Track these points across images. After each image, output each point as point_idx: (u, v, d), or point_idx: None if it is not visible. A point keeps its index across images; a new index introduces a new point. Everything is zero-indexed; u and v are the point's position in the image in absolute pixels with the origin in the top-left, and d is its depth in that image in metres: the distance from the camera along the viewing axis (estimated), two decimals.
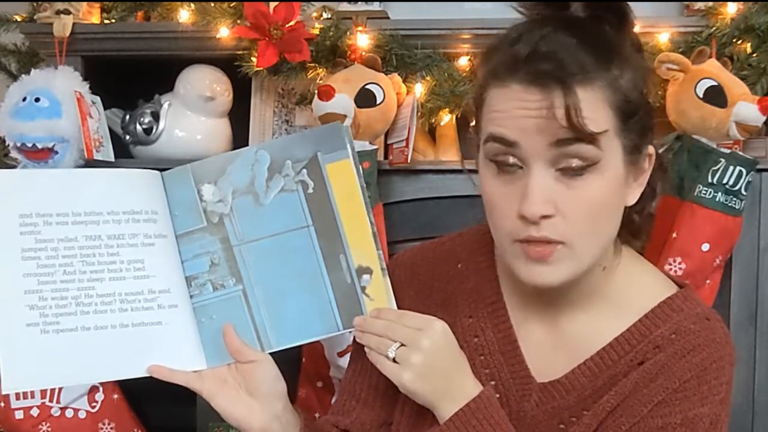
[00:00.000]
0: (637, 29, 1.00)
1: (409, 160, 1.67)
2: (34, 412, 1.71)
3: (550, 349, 1.04)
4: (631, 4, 0.97)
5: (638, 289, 1.04)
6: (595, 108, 0.90)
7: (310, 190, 1.07)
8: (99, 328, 1.01)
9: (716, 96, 1.56)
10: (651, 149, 0.99)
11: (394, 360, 0.99)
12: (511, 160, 0.93)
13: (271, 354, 1.08)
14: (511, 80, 0.91)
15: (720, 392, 0.98)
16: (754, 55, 1.65)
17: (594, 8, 0.95)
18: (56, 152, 1.70)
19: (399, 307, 1.07)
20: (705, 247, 1.58)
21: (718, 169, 1.57)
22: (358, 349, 1.15)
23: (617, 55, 0.93)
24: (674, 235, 1.60)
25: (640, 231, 1.04)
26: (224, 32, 1.78)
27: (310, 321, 1.08)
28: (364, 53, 1.72)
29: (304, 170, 1.07)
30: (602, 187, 0.92)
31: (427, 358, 0.98)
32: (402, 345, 0.99)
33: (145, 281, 1.04)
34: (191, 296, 1.07)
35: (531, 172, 0.91)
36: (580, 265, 0.95)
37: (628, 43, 0.96)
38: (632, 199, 0.98)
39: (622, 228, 1.00)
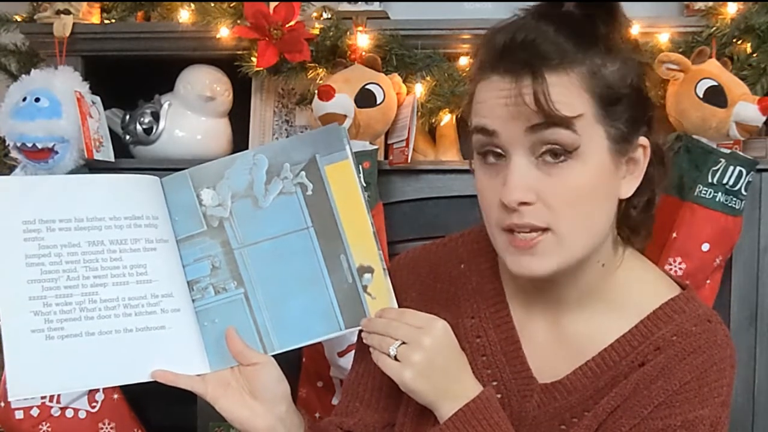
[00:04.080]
0: (636, 29, 1.00)
1: (409, 160, 1.68)
2: (34, 412, 1.72)
3: (552, 350, 1.05)
4: (631, 4, 0.97)
5: (640, 289, 1.04)
6: (569, 93, 0.90)
7: (309, 192, 1.07)
8: (103, 333, 1.01)
9: (716, 96, 1.57)
10: (644, 141, 0.97)
11: (395, 358, 0.99)
12: (494, 149, 0.94)
13: (273, 355, 1.08)
14: (491, 72, 0.93)
15: (720, 394, 0.98)
16: (754, 55, 1.65)
17: (585, 7, 0.95)
18: (56, 152, 1.70)
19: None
20: (705, 247, 1.59)
21: (718, 169, 1.57)
22: (361, 351, 1.15)
23: (601, 46, 0.93)
24: (674, 235, 1.60)
25: (638, 227, 1.02)
26: (224, 32, 1.78)
27: (312, 322, 1.08)
28: (364, 53, 1.72)
29: (303, 172, 1.07)
30: (584, 175, 0.92)
31: (427, 357, 0.98)
32: (403, 343, 0.99)
33: (147, 286, 1.04)
34: (193, 300, 1.07)
35: (511, 160, 0.93)
36: (569, 255, 0.95)
37: (618, 38, 0.95)
38: (626, 192, 0.98)
39: (619, 224, 1.00)
